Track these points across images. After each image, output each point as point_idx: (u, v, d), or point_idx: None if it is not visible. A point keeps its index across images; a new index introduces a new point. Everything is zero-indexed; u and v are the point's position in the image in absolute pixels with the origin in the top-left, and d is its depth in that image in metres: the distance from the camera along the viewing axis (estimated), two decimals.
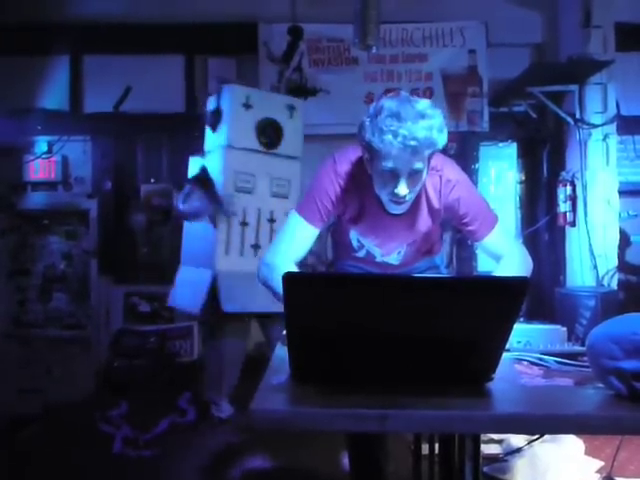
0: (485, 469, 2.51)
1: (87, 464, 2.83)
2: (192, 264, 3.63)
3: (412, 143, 1.47)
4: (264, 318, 3.35)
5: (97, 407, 3.50)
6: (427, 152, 1.52)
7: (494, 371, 1.18)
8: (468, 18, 4.38)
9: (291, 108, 3.47)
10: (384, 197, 1.62)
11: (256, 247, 3.33)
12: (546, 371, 1.37)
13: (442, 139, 1.53)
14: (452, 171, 1.70)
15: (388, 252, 1.84)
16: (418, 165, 1.52)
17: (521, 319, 2.17)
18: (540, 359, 1.44)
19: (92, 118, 4.35)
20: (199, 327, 4.23)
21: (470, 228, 1.72)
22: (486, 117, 4.44)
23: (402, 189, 1.54)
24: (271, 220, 3.36)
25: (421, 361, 1.13)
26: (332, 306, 1.08)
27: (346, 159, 1.69)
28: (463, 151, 4.50)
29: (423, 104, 1.52)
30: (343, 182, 1.67)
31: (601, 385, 1.19)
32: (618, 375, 1.13)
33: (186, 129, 4.15)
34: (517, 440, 2.71)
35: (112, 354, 4.11)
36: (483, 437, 2.95)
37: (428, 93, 4.41)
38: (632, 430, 1.10)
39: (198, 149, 3.60)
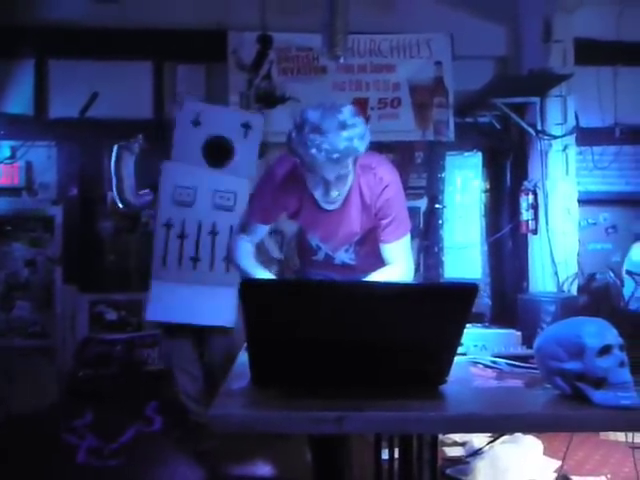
0: (448, 471, 2.57)
1: (50, 475, 2.78)
2: None
3: (335, 156, 1.56)
4: (199, 332, 3.31)
5: (61, 417, 3.44)
6: (350, 159, 1.62)
7: (448, 374, 1.22)
8: (434, 30, 4.48)
9: (246, 126, 3.38)
10: (317, 197, 1.73)
11: (195, 260, 3.30)
12: (499, 373, 1.43)
13: (363, 145, 1.62)
14: (386, 171, 1.79)
15: (335, 248, 1.91)
16: (343, 171, 1.64)
17: (481, 324, 2.24)
18: (493, 362, 1.50)
19: (57, 123, 4.29)
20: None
21: (383, 229, 1.80)
22: (452, 127, 4.53)
23: (332, 193, 1.68)
24: (213, 233, 3.31)
25: (377, 365, 1.16)
26: (289, 311, 1.11)
27: (285, 160, 1.79)
28: (430, 160, 4.60)
29: (345, 113, 1.59)
30: (280, 181, 1.79)
31: (548, 386, 1.25)
32: (562, 376, 1.19)
33: (154, 135, 4.13)
34: (479, 442, 2.78)
35: (77, 363, 4.05)
36: (447, 440, 3.02)
37: (396, 103, 4.50)
38: (575, 427, 1.16)
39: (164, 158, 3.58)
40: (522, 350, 1.65)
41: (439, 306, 1.08)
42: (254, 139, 3.45)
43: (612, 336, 1.17)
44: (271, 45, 4.04)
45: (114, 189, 3.50)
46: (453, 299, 1.08)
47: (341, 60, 3.70)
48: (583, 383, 1.16)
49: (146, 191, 3.51)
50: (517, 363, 1.47)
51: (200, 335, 3.28)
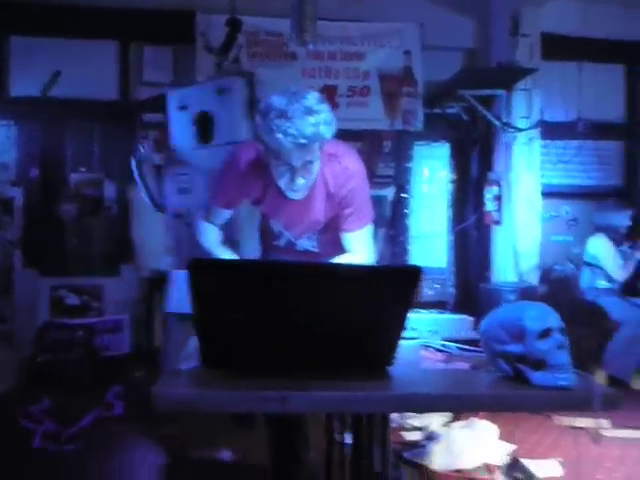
0: (405, 455, 2.61)
1: (5, 459, 2.73)
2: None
3: (302, 141, 1.56)
4: None
5: (18, 402, 3.37)
6: (317, 145, 1.62)
7: (394, 355, 1.24)
8: (404, 20, 4.50)
9: (221, 92, 3.36)
10: (283, 185, 1.72)
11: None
12: (448, 356, 1.46)
13: (330, 131, 1.62)
14: (351, 160, 1.79)
15: (298, 235, 1.91)
16: (309, 157, 1.63)
17: (439, 310, 2.28)
18: (444, 345, 1.53)
19: (17, 102, 4.17)
20: (131, 321, 4.16)
21: (345, 218, 1.80)
22: (420, 117, 4.57)
23: (297, 180, 1.67)
24: None
25: (324, 346, 1.17)
26: (237, 292, 1.11)
27: (250, 146, 1.78)
28: (398, 149, 4.63)
29: (311, 99, 1.59)
30: (244, 167, 1.77)
31: (493, 368, 1.28)
32: (505, 358, 1.22)
33: (120, 117, 4.06)
34: (436, 427, 2.83)
35: (36, 348, 3.97)
36: (406, 426, 3.07)
37: (365, 91, 4.51)
38: (513, 407, 1.20)
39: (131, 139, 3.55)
40: (474, 334, 1.68)
41: (384, 288, 1.10)
42: (232, 103, 3.40)
43: (553, 319, 1.20)
44: (240, 29, 3.98)
45: (147, 198, 3.54)
46: (398, 281, 1.10)
47: (310, 46, 3.68)
48: (524, 365, 1.19)
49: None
50: (466, 347, 1.50)
51: None
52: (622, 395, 1.13)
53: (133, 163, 3.57)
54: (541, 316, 1.20)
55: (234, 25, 3.96)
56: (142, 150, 3.60)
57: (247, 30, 4.17)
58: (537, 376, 1.17)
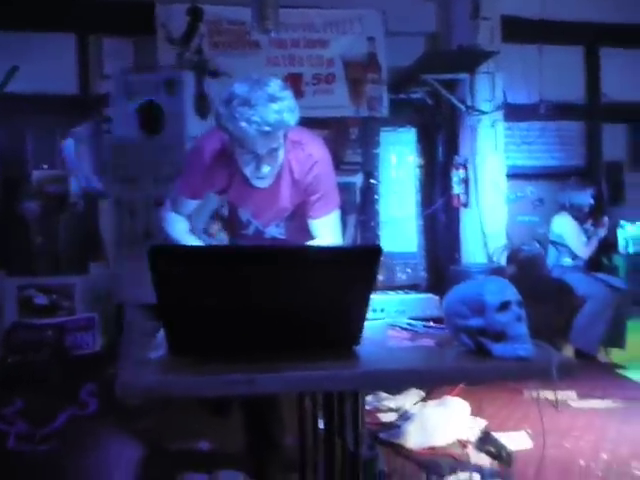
0: (381, 435, 2.66)
1: None
2: None
3: (266, 128, 1.56)
4: None
5: None
6: (281, 133, 1.62)
7: (360, 335, 1.26)
8: (366, 6, 4.50)
9: (170, 85, 3.36)
10: (248, 174, 1.72)
11: (148, 235, 3.28)
12: (413, 334, 1.49)
13: (293, 118, 1.63)
14: (315, 147, 1.80)
15: (265, 224, 1.92)
16: (274, 145, 1.63)
17: (405, 291, 2.32)
18: (410, 324, 1.56)
19: None
20: (102, 318, 4.11)
21: (312, 205, 1.82)
22: (385, 103, 4.59)
23: (263, 168, 1.66)
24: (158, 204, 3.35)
25: (290, 328, 1.19)
26: (199, 278, 1.11)
27: (214, 136, 1.76)
28: (364, 136, 4.65)
29: (273, 86, 1.59)
30: (209, 157, 1.77)
31: (456, 343, 1.32)
32: (467, 332, 1.26)
33: (81, 111, 3.98)
34: (409, 407, 2.89)
35: (5, 350, 3.90)
36: (382, 407, 3.12)
37: (330, 78, 4.51)
38: (477, 379, 1.23)
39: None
40: (440, 313, 1.72)
41: (346, 268, 1.12)
42: (182, 97, 3.39)
43: (511, 293, 1.24)
44: (201, 18, 3.94)
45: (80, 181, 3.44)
46: (359, 261, 1.12)
47: (272, 34, 3.67)
48: (484, 337, 1.23)
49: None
50: (431, 324, 1.54)
51: None
52: (578, 363, 1.18)
53: (66, 143, 3.48)
54: (499, 290, 1.24)
55: (195, 14, 3.91)
56: (78, 131, 3.48)
57: (208, 19, 4.12)
58: (497, 348, 1.21)
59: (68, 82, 4.21)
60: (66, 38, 4.24)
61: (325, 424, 1.58)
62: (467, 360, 1.23)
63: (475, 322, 1.23)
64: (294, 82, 4.26)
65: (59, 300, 4.26)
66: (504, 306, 1.22)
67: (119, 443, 2.88)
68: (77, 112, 4.05)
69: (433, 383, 1.71)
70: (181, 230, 1.89)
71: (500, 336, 1.21)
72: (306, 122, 1.70)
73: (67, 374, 3.68)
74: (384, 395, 3.09)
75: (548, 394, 2.58)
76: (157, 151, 3.30)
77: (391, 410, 3.00)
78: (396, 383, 1.30)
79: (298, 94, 1.54)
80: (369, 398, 3.00)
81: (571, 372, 1.18)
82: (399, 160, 5.01)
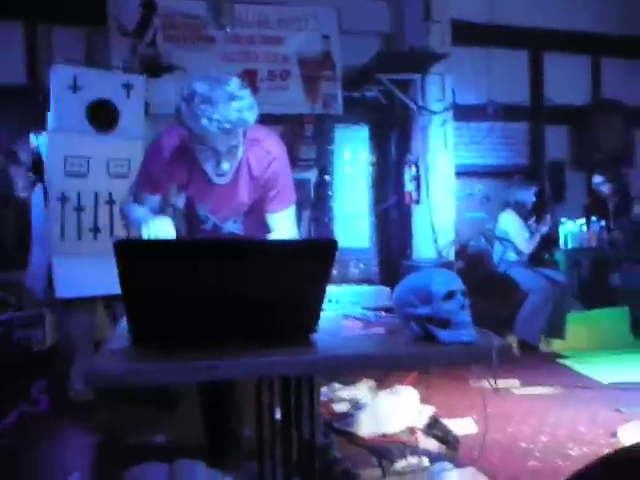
0: (335, 424, 2.74)
1: None
2: (40, 247, 3.46)
3: (226, 126, 1.60)
4: (110, 300, 3.32)
5: None
6: (241, 130, 1.67)
7: (316, 324, 1.32)
8: (321, 4, 4.56)
9: (127, 86, 3.32)
10: (209, 170, 1.75)
11: (95, 230, 3.25)
12: (366, 323, 1.56)
13: (253, 116, 1.67)
14: (273, 144, 1.86)
15: (223, 219, 1.96)
16: (234, 142, 1.67)
17: (358, 284, 2.40)
18: (363, 314, 1.63)
19: None
20: (50, 314, 4.01)
21: (269, 200, 1.87)
22: (340, 101, 4.67)
23: (223, 165, 1.70)
24: (110, 202, 3.27)
25: (249, 319, 1.24)
26: (162, 271, 1.14)
27: (173, 132, 1.79)
28: (319, 132, 4.72)
29: (233, 85, 1.63)
30: (168, 153, 1.79)
31: (406, 330, 1.40)
32: (416, 320, 1.34)
33: (28, 103, 3.86)
34: (362, 396, 2.98)
35: None
36: (335, 398, 3.21)
37: (285, 75, 4.55)
38: (425, 363, 1.32)
39: (39, 125, 3.40)
40: (391, 303, 1.81)
41: (304, 261, 1.17)
42: (138, 99, 3.39)
43: (456, 283, 1.33)
44: (155, 10, 3.90)
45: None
46: (315, 254, 1.18)
47: (228, 30, 3.68)
48: (432, 325, 1.31)
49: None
50: (383, 314, 1.62)
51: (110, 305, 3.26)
52: (511, 346, 1.28)
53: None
54: (446, 281, 1.33)
55: (149, 7, 3.86)
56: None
57: (163, 12, 4.09)
58: (444, 334, 1.30)
59: (15, 72, 4.09)
60: (13, 27, 4.11)
61: (282, 414, 1.63)
62: (416, 346, 1.31)
63: (423, 310, 1.31)
64: (249, 78, 4.27)
65: (6, 296, 4.13)
66: (450, 295, 1.31)
67: (72, 440, 2.85)
68: (24, 103, 3.93)
69: (385, 368, 1.79)
70: (143, 211, 1.86)
71: (446, 323, 1.30)
72: (261, 118, 1.74)
73: (17, 371, 3.59)
74: (338, 386, 3.18)
75: (491, 383, 2.72)
76: (110, 148, 3.27)
77: (344, 400, 3.09)
78: (350, 368, 1.37)
79: (253, 90, 1.56)
80: (324, 389, 3.07)
81: (507, 355, 1.28)
82: (353, 157, 5.11)
